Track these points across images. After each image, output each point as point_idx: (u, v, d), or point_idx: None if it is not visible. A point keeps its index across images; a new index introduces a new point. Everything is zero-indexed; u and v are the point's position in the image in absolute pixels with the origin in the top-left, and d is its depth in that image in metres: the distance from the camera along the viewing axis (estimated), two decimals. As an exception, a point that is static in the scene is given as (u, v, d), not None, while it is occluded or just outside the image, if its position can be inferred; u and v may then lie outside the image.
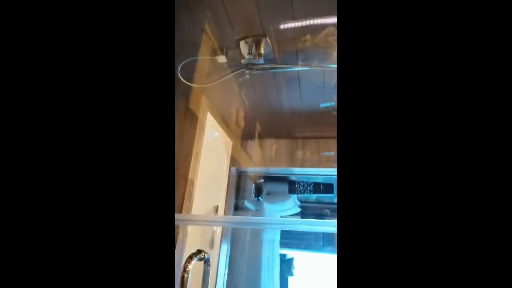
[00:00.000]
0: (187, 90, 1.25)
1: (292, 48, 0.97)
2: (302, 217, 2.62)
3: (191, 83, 1.18)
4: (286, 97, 1.31)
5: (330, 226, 0.57)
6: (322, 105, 1.47)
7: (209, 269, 0.59)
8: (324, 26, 0.86)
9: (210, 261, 0.60)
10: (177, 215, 0.96)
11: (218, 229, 1.53)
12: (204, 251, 0.58)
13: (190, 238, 1.16)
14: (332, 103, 1.43)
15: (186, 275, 0.51)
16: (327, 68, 1.05)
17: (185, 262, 0.53)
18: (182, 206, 1.14)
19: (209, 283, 0.60)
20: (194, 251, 1.21)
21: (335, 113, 1.68)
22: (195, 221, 1.03)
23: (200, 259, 0.57)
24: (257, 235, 1.87)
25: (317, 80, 1.17)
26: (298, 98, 1.32)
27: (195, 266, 0.57)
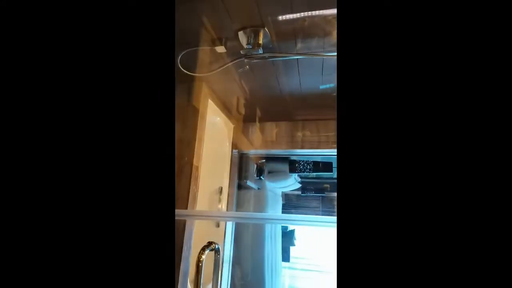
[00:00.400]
0: (188, 79, 1.26)
1: (291, 36, 0.96)
2: (302, 192, 2.73)
3: (191, 72, 1.19)
4: (286, 82, 1.32)
5: (330, 222, 0.62)
6: (321, 87, 1.47)
7: (219, 257, 0.66)
8: (323, 14, 0.85)
9: (218, 245, 0.67)
10: (183, 211, 1.03)
11: (224, 206, 1.62)
12: (214, 243, 0.65)
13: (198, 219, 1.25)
14: (332, 84, 1.44)
15: (200, 264, 0.59)
16: (326, 56, 1.05)
17: (199, 253, 0.60)
18: (188, 191, 1.21)
19: (219, 269, 0.68)
20: (202, 234, 1.31)
21: (334, 94, 1.69)
22: (199, 216, 1.10)
23: (212, 250, 0.65)
24: (260, 211, 1.98)
25: (316, 63, 1.17)
26: (297, 82, 1.33)
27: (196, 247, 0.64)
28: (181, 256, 1.08)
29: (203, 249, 0.62)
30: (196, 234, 1.21)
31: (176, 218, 1.04)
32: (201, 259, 0.59)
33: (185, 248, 1.11)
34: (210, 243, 0.64)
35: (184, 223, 1.11)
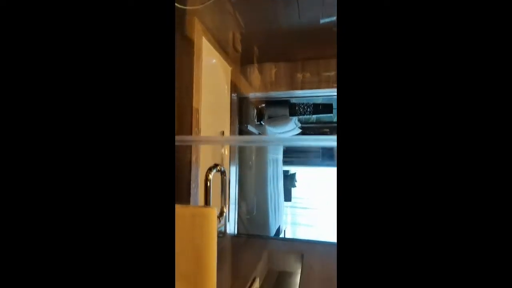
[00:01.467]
0: (179, 14, 1.18)
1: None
2: (303, 137, 2.78)
3: (182, 5, 1.11)
4: (284, 14, 1.24)
5: (330, 141, 0.64)
6: (322, 21, 1.39)
7: (226, 178, 0.71)
8: None
9: (224, 168, 0.71)
10: (186, 137, 1.06)
11: (226, 152, 1.68)
12: (220, 165, 0.69)
13: (201, 162, 1.30)
14: (333, 17, 1.35)
15: (208, 183, 0.64)
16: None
17: (206, 172, 0.65)
18: (191, 134, 1.23)
19: (227, 189, 0.74)
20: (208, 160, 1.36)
21: (335, 29, 1.60)
22: (202, 141, 1.13)
23: (218, 171, 0.69)
24: (261, 156, 2.05)
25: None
26: (296, 15, 1.25)
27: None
28: (190, 177, 1.14)
29: (210, 169, 0.66)
30: (202, 173, 1.27)
31: (181, 144, 1.08)
32: (209, 178, 0.63)
33: (193, 172, 1.16)
34: (216, 165, 0.68)
35: (190, 149, 1.15)
